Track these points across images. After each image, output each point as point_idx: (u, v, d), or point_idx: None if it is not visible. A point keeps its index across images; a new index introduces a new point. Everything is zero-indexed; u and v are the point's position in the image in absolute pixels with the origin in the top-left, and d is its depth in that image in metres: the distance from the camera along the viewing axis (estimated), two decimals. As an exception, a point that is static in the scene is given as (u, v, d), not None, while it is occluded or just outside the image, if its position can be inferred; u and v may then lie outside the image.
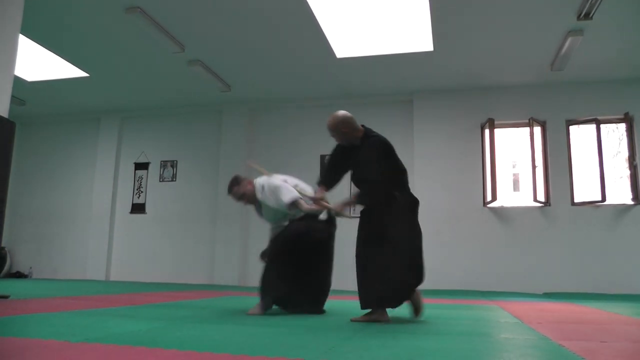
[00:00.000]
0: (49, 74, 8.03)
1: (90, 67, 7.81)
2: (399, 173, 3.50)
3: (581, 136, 7.97)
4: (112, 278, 9.38)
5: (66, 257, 9.75)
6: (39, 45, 7.00)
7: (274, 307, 3.72)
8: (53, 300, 4.54)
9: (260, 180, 3.88)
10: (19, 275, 9.70)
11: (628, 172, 7.84)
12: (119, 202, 9.69)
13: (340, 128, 3.50)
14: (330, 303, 3.95)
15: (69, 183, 10.08)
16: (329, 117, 3.55)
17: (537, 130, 7.91)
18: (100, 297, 4.99)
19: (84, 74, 8.01)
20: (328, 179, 3.72)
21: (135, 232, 9.51)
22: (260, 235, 8.78)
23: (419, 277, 3.33)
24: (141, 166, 9.69)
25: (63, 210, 10.00)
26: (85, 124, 10.18)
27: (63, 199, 10.04)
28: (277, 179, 3.82)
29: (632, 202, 7.46)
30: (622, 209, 7.44)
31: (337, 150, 3.71)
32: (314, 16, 6.01)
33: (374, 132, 3.56)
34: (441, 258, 7.60)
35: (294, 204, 3.65)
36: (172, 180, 9.49)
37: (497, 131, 8.13)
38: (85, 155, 10.07)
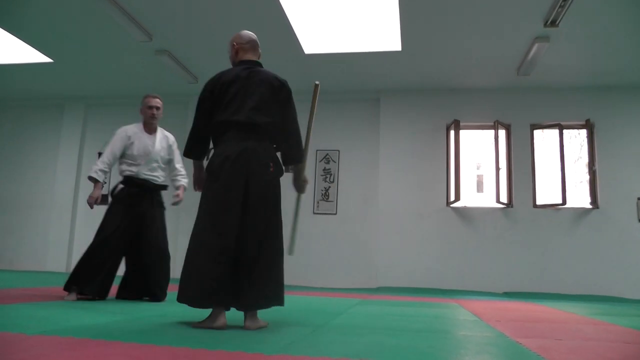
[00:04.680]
0: (9, 57, 7.75)
1: (55, 52, 7.59)
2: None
3: (544, 140, 8.15)
4: (73, 270, 9.14)
5: (24, 248, 9.45)
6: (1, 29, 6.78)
7: None
8: (8, 291, 4.42)
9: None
10: (-27, 265, 9.40)
11: (587, 177, 8.06)
12: (82, 192, 9.45)
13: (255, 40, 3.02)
14: (292, 299, 3.95)
15: (30, 171, 9.76)
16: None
17: (502, 133, 8.06)
18: (59, 289, 4.86)
19: (48, 60, 7.79)
20: None
21: (98, 223, 9.23)
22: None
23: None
24: (106, 156, 9.45)
25: (22, 199, 9.67)
26: (49, 111, 9.86)
27: (23, 187, 9.71)
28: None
29: (590, 206, 7.68)
30: (581, 212, 7.66)
31: None
32: (283, 11, 5.99)
33: None
34: (403, 256, 7.73)
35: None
36: (137, 172, 9.30)
37: (463, 132, 8.24)
38: (47, 143, 9.76)
